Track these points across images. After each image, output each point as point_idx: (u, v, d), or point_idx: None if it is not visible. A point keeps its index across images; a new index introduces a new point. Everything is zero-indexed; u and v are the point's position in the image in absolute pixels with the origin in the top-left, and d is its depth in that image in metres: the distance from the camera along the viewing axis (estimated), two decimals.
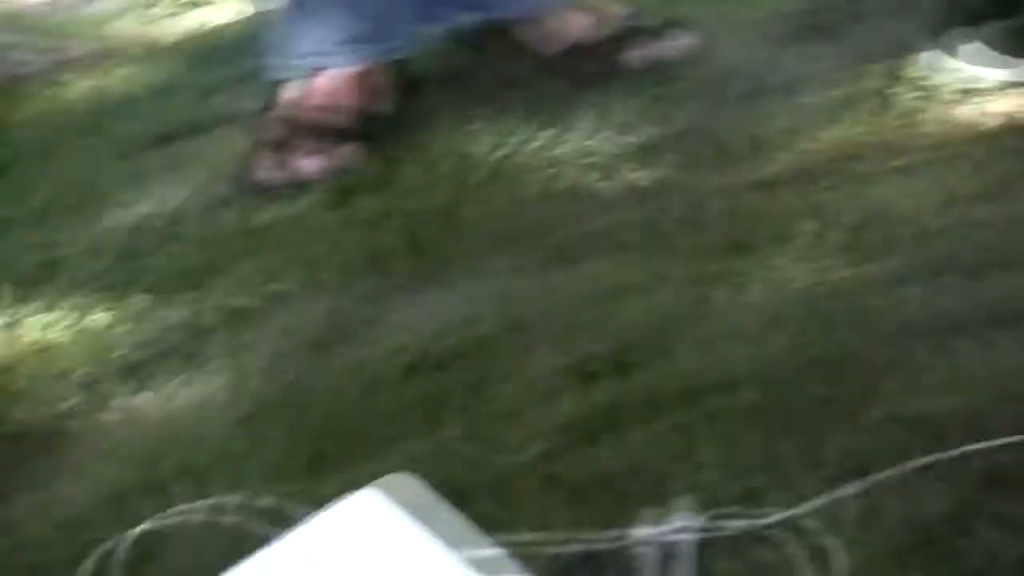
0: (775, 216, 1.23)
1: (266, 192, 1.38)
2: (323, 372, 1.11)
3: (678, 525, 0.87)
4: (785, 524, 0.86)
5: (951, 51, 1.43)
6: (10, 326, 1.22)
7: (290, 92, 1.45)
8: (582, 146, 1.38)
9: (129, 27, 1.92)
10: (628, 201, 1.30)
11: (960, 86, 1.40)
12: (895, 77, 1.42)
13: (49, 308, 1.23)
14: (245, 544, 0.87)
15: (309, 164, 1.40)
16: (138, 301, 1.23)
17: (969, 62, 1.42)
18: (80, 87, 1.72)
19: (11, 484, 1.02)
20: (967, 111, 1.38)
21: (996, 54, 1.43)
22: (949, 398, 0.96)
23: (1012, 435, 0.89)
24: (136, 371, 1.14)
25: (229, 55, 1.72)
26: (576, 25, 1.54)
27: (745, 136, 1.37)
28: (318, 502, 0.86)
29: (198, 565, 0.90)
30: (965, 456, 0.88)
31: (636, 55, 1.51)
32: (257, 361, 1.13)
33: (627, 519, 0.87)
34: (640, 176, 1.33)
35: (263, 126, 1.45)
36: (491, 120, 1.44)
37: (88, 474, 1.03)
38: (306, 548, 0.82)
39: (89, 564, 0.92)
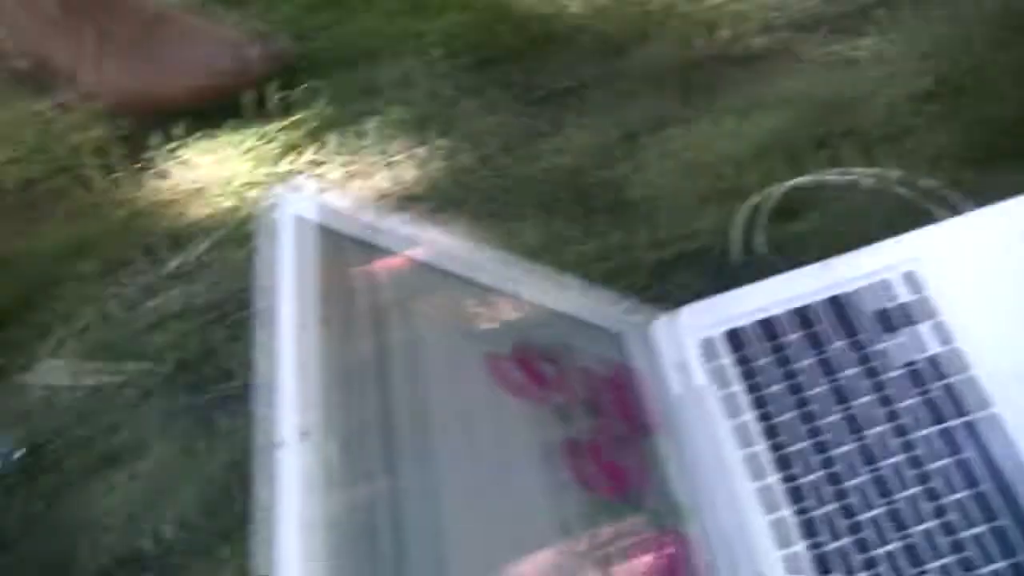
0: None
1: None
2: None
3: None
4: None
5: None
6: None
7: None
8: None
9: None
10: None
11: None
12: None
13: None
14: (897, 221, 0.90)
15: None
16: None
17: None
18: None
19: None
20: None
21: None
22: None
23: None
24: (820, 24, 1.18)
25: None
26: None
27: None
28: (982, 196, 0.89)
29: (848, 230, 0.95)
30: None
31: None
32: (946, 40, 1.13)
33: None
34: None
35: None
36: None
37: (755, 118, 1.10)
38: (966, 238, 0.86)
39: (745, 208, 1.01)
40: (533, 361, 0.78)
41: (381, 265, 0.76)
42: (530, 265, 0.84)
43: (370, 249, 0.76)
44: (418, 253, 0.79)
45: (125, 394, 0.99)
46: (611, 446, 0.76)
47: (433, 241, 0.81)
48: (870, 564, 0.73)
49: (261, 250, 0.72)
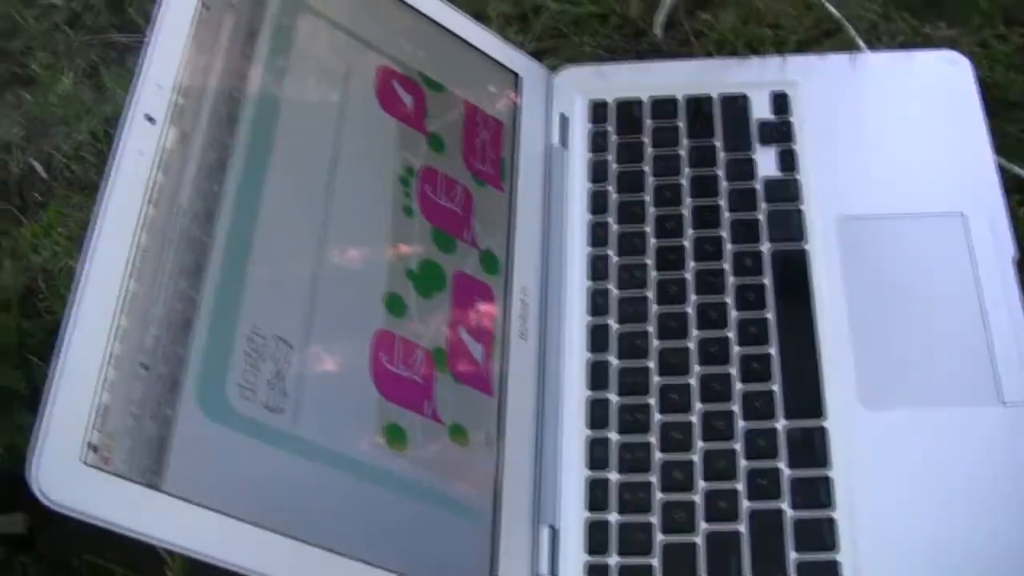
0: None
1: None
2: None
3: None
4: None
5: None
6: None
7: None
8: None
9: None
10: None
11: None
12: None
13: None
14: (816, 40, 0.94)
15: None
16: None
17: None
18: None
19: None
20: None
21: None
22: None
23: None
24: None
25: None
26: None
27: None
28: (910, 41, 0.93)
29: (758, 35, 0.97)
30: None
31: None
32: None
33: None
34: None
35: None
36: None
37: None
38: (857, 77, 0.88)
39: None
40: (420, 85, 0.81)
41: None
42: None
43: None
44: None
45: (37, 21, 1.02)
46: (461, 185, 0.80)
47: None
48: (670, 354, 0.78)
49: None
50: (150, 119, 0.67)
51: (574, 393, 0.78)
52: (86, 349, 0.60)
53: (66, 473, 0.58)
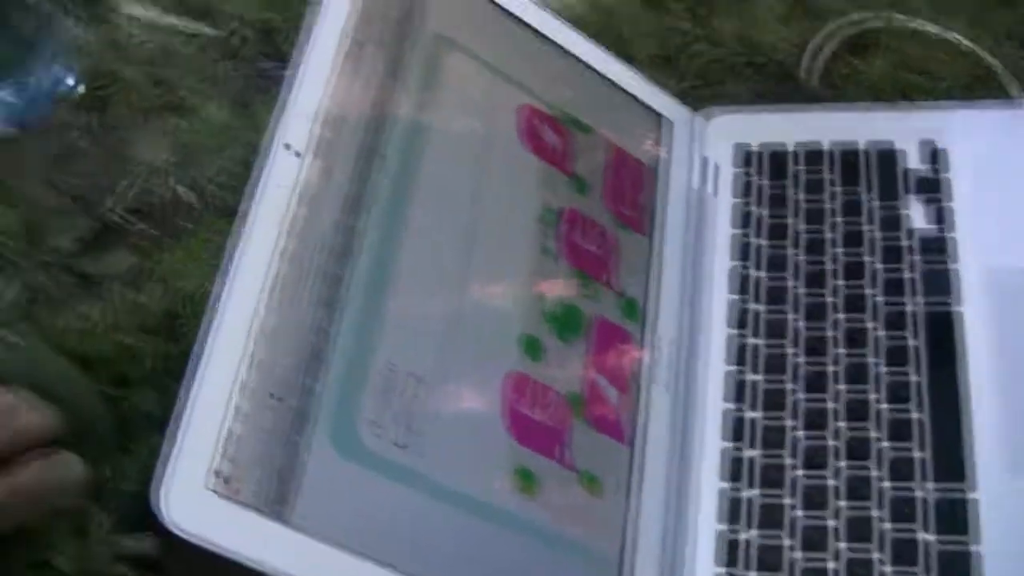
0: None
1: None
2: None
3: None
4: None
5: None
6: None
7: None
8: None
9: None
10: None
11: None
12: None
13: None
14: (968, 87, 0.91)
15: None
16: None
17: None
18: None
19: None
20: None
21: None
22: None
23: None
24: None
25: None
26: None
27: None
28: None
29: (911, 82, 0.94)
30: None
31: None
32: None
33: None
34: None
35: None
36: None
37: None
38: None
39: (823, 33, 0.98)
40: (566, 125, 0.81)
41: None
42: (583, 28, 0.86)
43: None
44: None
45: (193, 51, 1.04)
46: (604, 228, 0.79)
47: None
48: (812, 406, 0.76)
49: None
50: (292, 150, 0.67)
51: (711, 445, 0.76)
52: (218, 376, 0.61)
53: (192, 500, 0.58)
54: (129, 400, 0.87)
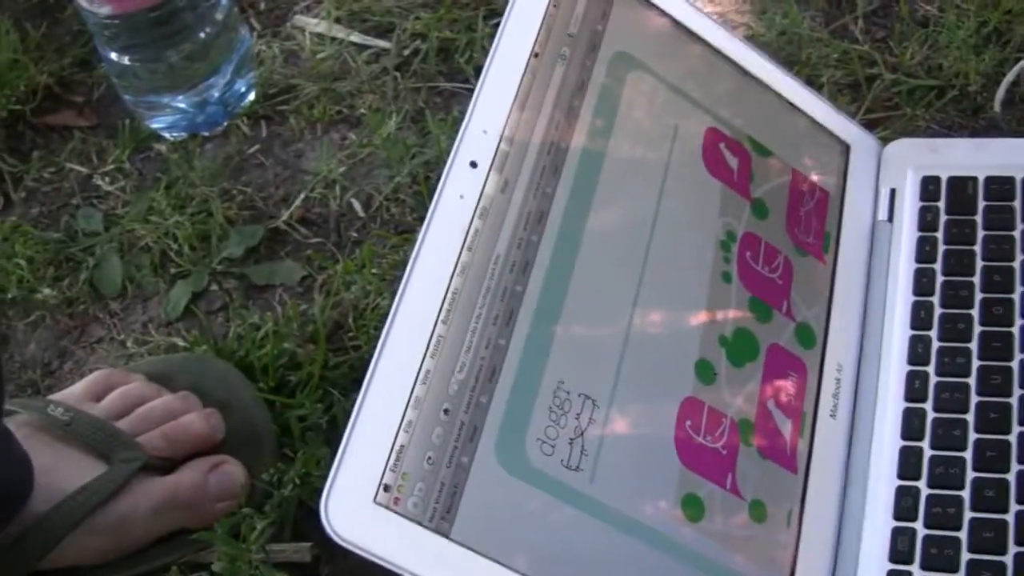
0: None
1: None
2: None
3: None
4: None
5: None
6: None
7: None
8: None
9: None
10: None
11: None
12: None
13: None
14: None
15: None
16: None
17: None
18: None
19: None
20: None
21: None
22: None
23: None
24: None
25: None
26: None
27: None
28: None
29: None
30: None
31: None
32: None
33: None
34: None
35: None
36: None
37: None
38: None
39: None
40: (747, 148, 0.80)
41: (621, 5, 0.78)
42: (769, 53, 0.85)
43: None
44: (667, 6, 0.80)
45: (367, 65, 1.05)
46: (782, 254, 0.78)
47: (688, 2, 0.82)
48: (990, 447, 0.73)
49: None
50: (474, 164, 0.67)
51: (882, 479, 0.74)
52: (391, 389, 0.61)
53: (357, 510, 0.59)
54: (292, 408, 0.88)
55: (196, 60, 1.02)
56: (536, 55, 0.73)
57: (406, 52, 1.05)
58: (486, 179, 0.67)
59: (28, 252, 1.00)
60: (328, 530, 0.58)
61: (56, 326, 0.98)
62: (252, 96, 1.06)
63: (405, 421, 0.60)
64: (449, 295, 0.64)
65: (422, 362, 0.62)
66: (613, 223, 0.72)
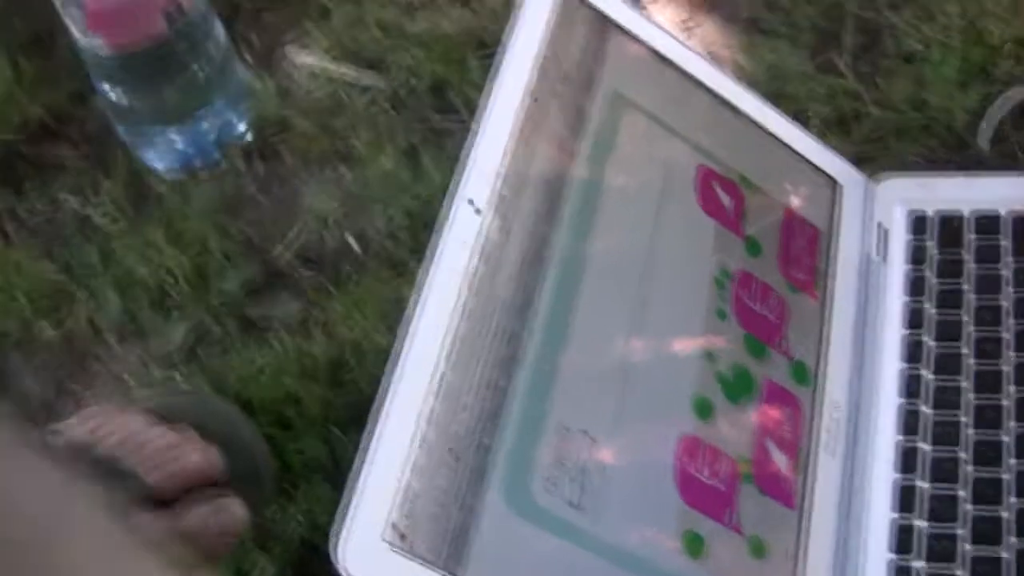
0: None
1: None
2: None
3: None
4: None
5: None
6: None
7: None
8: None
9: None
10: None
11: None
12: None
13: None
14: None
15: None
16: None
17: None
18: None
19: None
20: None
21: None
22: None
23: None
24: None
25: None
26: None
27: None
28: None
29: None
30: None
31: None
32: None
33: None
34: None
35: None
36: None
37: None
38: None
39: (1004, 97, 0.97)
40: (740, 186, 0.81)
41: (615, 46, 0.79)
42: (757, 89, 0.86)
43: (607, 25, 0.80)
44: (658, 44, 0.81)
45: (360, 100, 1.06)
46: (776, 291, 0.79)
47: (676, 38, 0.83)
48: (986, 482, 0.75)
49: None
50: (475, 207, 0.69)
51: (879, 514, 0.75)
52: (399, 430, 0.62)
53: (369, 552, 0.59)
54: (291, 445, 0.89)
55: (191, 94, 1.03)
56: (533, 97, 0.74)
57: (398, 87, 1.07)
58: (486, 221, 0.68)
59: (25, 286, 1.01)
60: (339, 568, 0.59)
61: (54, 361, 0.99)
62: (245, 129, 1.07)
63: (412, 462, 0.61)
64: (452, 336, 0.65)
65: (428, 404, 0.63)
66: (610, 262, 0.73)
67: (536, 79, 0.74)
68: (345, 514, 0.60)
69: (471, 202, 0.68)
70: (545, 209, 0.71)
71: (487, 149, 0.71)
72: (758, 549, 0.71)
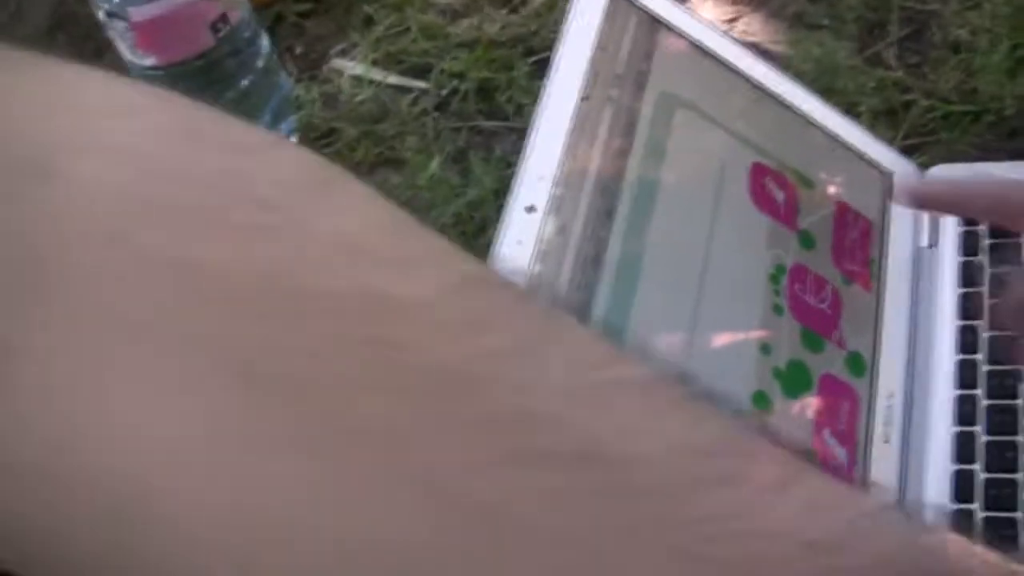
0: None
1: None
2: None
3: None
4: None
5: None
6: None
7: None
8: None
9: None
10: None
11: None
12: None
13: None
14: None
15: None
16: None
17: None
18: None
19: None
20: None
21: None
22: None
23: None
24: None
25: None
26: None
27: None
28: None
29: None
30: None
31: None
32: None
33: None
34: None
35: None
36: None
37: None
38: None
39: None
40: (792, 181, 0.81)
41: (664, 45, 0.79)
42: (806, 83, 0.86)
43: (655, 24, 0.80)
44: (706, 41, 0.82)
45: (407, 107, 1.06)
46: (830, 284, 0.79)
47: (723, 34, 0.83)
48: None
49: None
50: (531, 209, 0.70)
51: (937, 504, 0.76)
52: None
53: None
54: None
55: (239, 106, 1.04)
56: (585, 98, 0.75)
57: (444, 92, 1.07)
58: (544, 223, 0.69)
59: None
60: None
61: None
62: (294, 140, 1.07)
63: None
64: None
65: None
66: (667, 261, 0.74)
67: (588, 82, 0.75)
68: None
69: (530, 207, 0.69)
70: (601, 209, 0.72)
71: (541, 152, 0.71)
72: None
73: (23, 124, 0.30)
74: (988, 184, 0.74)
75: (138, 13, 0.98)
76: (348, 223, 0.29)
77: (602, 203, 0.72)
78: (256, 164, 0.29)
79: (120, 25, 0.99)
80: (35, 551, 0.28)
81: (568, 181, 0.71)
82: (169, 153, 0.29)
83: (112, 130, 0.29)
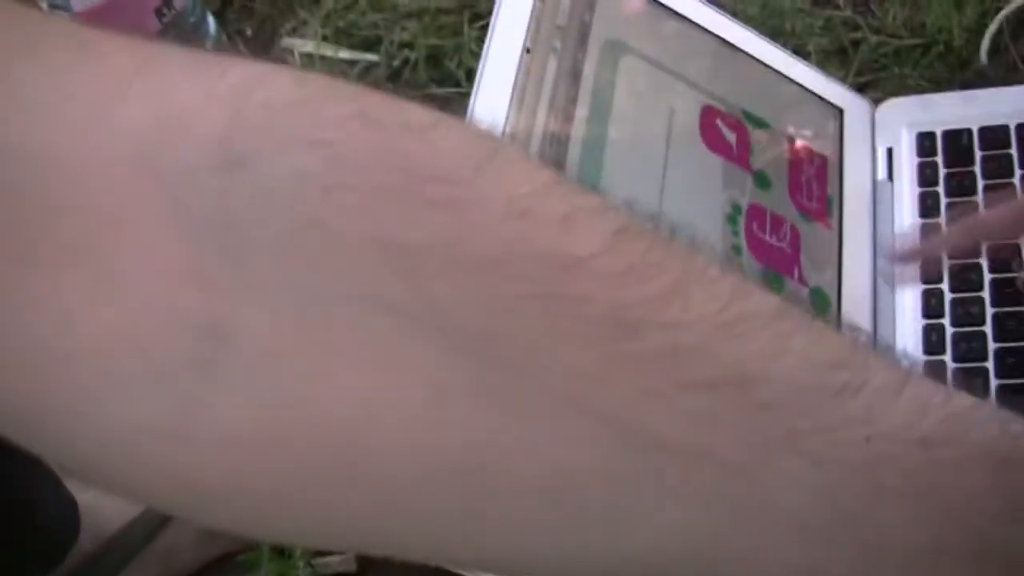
0: None
1: None
2: None
3: None
4: None
5: None
6: None
7: None
8: None
9: None
10: None
11: None
12: None
13: None
14: None
15: None
16: None
17: None
18: None
19: None
20: None
21: None
22: None
23: None
24: None
25: None
26: None
27: None
28: None
29: None
30: None
31: None
32: None
33: None
34: None
35: None
36: None
37: None
38: None
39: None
40: (743, 122, 0.81)
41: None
42: (754, 27, 0.86)
43: None
44: None
45: (359, 80, 1.05)
46: (788, 222, 0.79)
47: None
48: (1005, 390, 0.76)
49: None
50: None
51: None
52: None
53: None
54: None
55: None
56: (528, 50, 0.75)
57: (396, 63, 1.07)
58: None
59: None
60: None
61: None
62: None
63: None
64: None
65: None
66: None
67: (531, 35, 0.75)
68: None
69: None
70: (551, 159, 0.72)
71: (487, 108, 0.71)
72: None
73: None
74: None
75: (80, 3, 0.97)
76: (517, 188, 0.32)
77: (552, 153, 0.72)
78: (430, 142, 0.32)
79: (59, 11, 0.98)
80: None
81: (516, 134, 0.71)
82: (351, 139, 0.31)
83: (296, 124, 0.31)
